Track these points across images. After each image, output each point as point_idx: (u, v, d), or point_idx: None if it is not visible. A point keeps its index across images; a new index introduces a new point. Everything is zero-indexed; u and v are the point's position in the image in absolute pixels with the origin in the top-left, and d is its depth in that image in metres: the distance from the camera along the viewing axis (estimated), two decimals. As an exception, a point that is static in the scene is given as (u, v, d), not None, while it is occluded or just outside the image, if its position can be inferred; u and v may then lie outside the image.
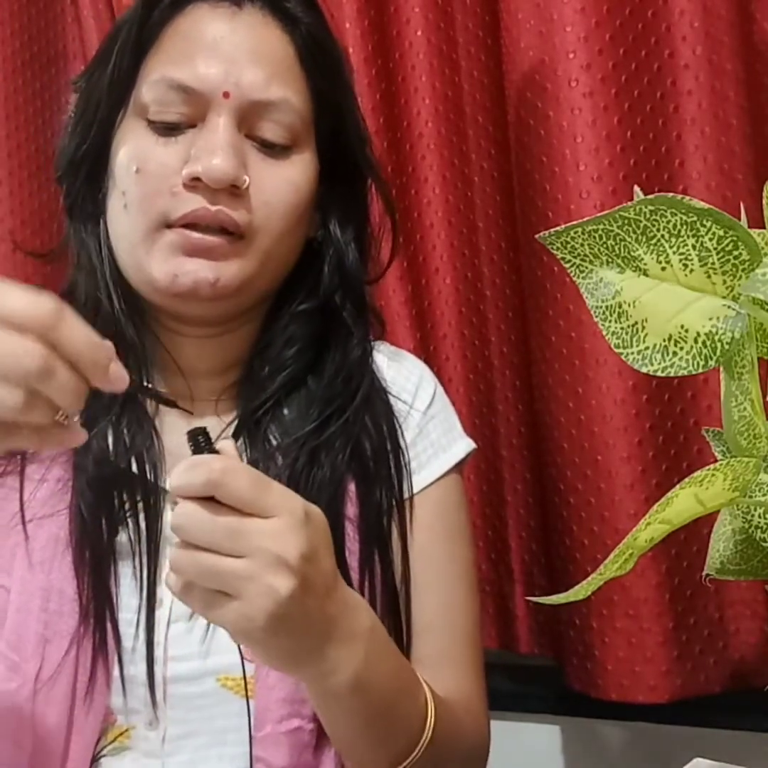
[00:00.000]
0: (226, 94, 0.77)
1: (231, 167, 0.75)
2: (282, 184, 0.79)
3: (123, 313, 0.81)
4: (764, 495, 0.57)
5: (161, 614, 0.77)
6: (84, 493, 0.77)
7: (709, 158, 0.95)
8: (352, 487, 0.82)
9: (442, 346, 1.10)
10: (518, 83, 0.99)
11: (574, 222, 0.55)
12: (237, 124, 0.77)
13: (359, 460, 0.82)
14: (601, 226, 0.55)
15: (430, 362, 1.05)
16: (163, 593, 0.77)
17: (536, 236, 0.57)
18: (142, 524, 0.77)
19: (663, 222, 0.54)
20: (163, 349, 0.83)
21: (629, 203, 0.54)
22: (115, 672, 0.75)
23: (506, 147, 1.04)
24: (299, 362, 0.84)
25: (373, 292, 1.01)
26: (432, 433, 0.88)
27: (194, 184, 0.75)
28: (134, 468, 0.79)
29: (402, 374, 0.90)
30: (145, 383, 0.81)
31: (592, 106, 0.93)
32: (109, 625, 0.75)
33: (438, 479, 0.86)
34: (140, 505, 0.78)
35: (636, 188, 0.61)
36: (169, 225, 0.76)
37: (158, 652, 0.76)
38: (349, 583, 0.72)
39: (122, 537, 0.77)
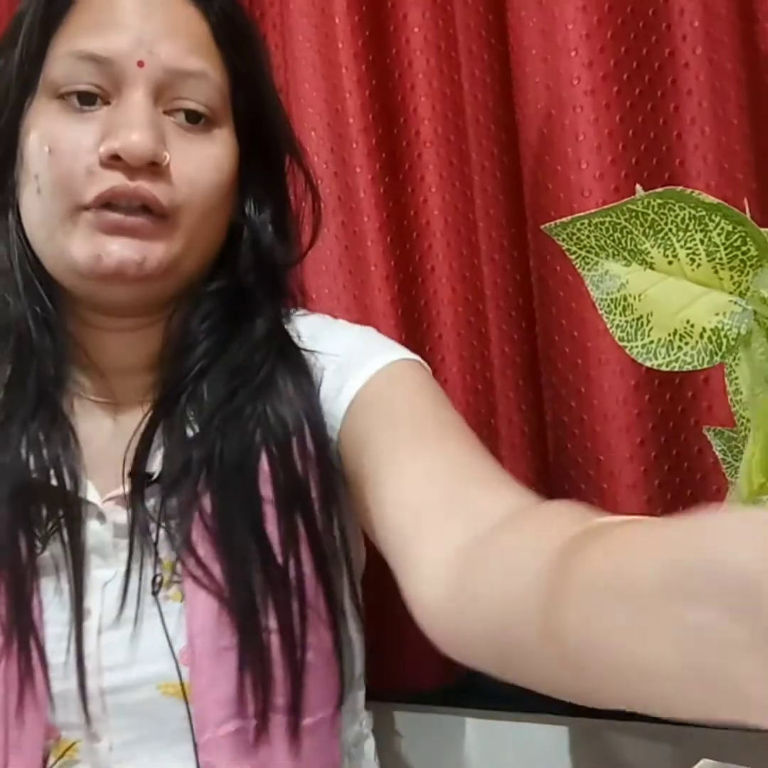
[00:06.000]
0: (140, 63, 0.73)
1: (151, 142, 0.72)
2: (204, 161, 0.77)
3: (39, 312, 0.77)
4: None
5: (90, 625, 0.75)
6: None
7: (709, 158, 0.95)
8: (265, 467, 0.78)
9: (439, 347, 1.09)
10: (520, 81, 0.98)
11: (581, 213, 0.55)
12: (154, 99, 0.74)
13: (271, 431, 0.78)
14: (609, 219, 0.55)
15: (432, 364, 1.05)
16: (91, 604, 0.75)
17: (542, 227, 0.57)
18: (65, 538, 0.75)
19: (671, 216, 0.54)
20: (80, 348, 0.80)
21: (637, 196, 0.54)
22: (48, 689, 0.73)
23: (509, 146, 1.04)
24: (211, 339, 0.80)
25: (359, 294, 1.01)
26: (358, 347, 0.83)
27: (112, 162, 0.72)
28: (53, 480, 0.75)
29: (334, 337, 0.85)
30: (65, 384, 0.78)
31: (594, 103, 0.93)
32: (33, 644, 0.73)
33: (374, 374, 0.80)
34: (62, 520, 0.75)
35: (638, 187, 0.61)
36: (86, 206, 0.73)
37: (91, 664, 0.74)
38: (273, 561, 0.72)
39: (44, 553, 0.75)
